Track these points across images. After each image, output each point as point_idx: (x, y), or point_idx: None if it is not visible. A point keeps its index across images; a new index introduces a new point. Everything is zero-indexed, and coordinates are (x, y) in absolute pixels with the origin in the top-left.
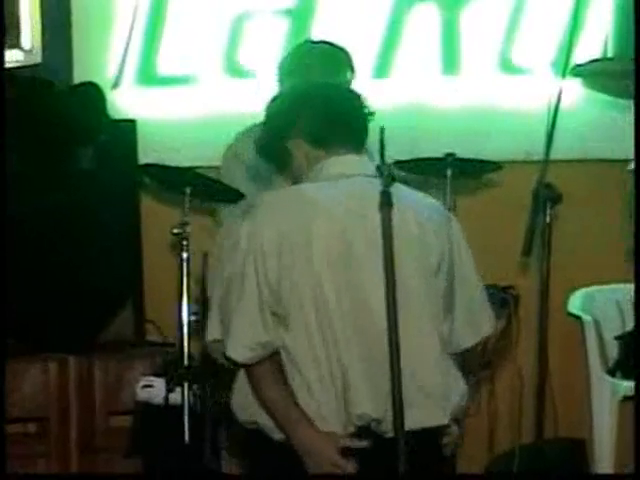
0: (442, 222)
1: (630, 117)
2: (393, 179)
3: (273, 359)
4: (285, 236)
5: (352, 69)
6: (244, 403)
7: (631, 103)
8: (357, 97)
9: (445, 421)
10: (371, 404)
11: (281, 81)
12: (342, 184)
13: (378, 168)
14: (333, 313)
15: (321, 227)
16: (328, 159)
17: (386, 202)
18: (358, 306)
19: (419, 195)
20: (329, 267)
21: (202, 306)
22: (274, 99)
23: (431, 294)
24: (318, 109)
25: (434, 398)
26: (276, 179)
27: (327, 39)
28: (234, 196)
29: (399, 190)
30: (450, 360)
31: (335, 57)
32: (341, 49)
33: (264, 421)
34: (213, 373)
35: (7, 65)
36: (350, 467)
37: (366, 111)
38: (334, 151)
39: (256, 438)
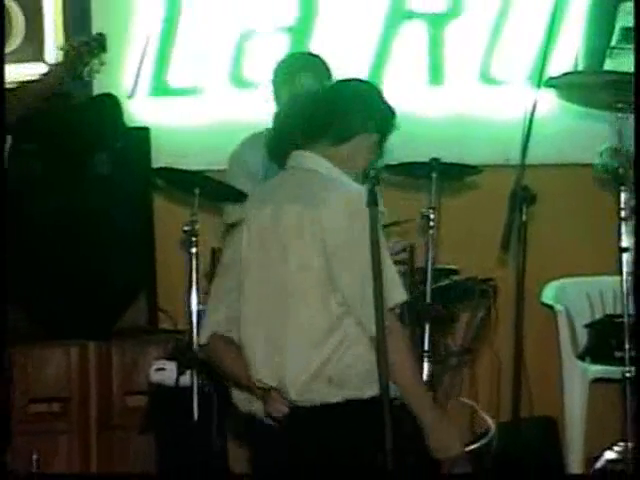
0: (332, 210)
1: (599, 125)
2: (378, 181)
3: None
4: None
5: (329, 74)
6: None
7: (600, 113)
8: (337, 97)
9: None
10: (265, 372)
11: (273, 84)
12: (279, 175)
13: (365, 171)
14: (250, 291)
15: (247, 213)
16: None
17: (372, 201)
18: (263, 285)
19: (321, 185)
20: (247, 250)
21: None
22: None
23: (316, 277)
24: (304, 111)
25: (304, 376)
26: None
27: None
28: (237, 196)
29: (303, 182)
30: (338, 345)
31: (315, 66)
32: (320, 58)
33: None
34: None
35: (33, 77)
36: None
37: (344, 109)
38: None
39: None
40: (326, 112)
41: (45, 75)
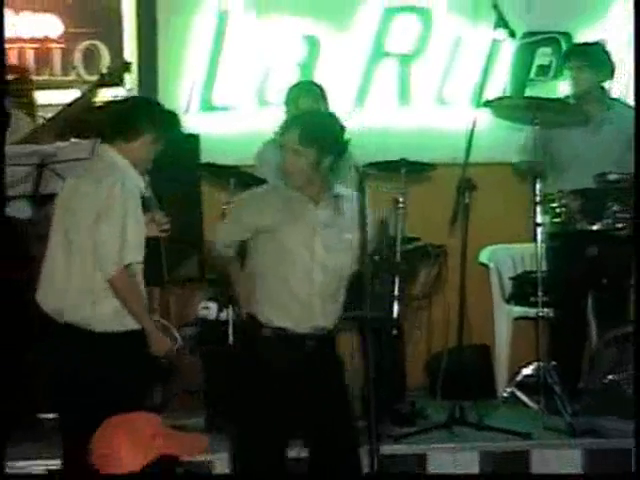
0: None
1: (521, 134)
2: (364, 175)
3: None
4: None
5: (325, 98)
6: None
7: (522, 126)
8: (125, 109)
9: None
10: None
11: (285, 105)
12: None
13: (356, 167)
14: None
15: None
16: None
17: (361, 190)
18: None
19: (95, 171)
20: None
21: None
22: None
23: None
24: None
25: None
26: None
27: (317, 81)
28: (260, 184)
29: (103, 167)
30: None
31: (313, 91)
32: (319, 86)
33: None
34: None
35: (113, 99)
36: None
37: (129, 117)
38: None
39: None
40: (118, 119)
41: (83, 95)
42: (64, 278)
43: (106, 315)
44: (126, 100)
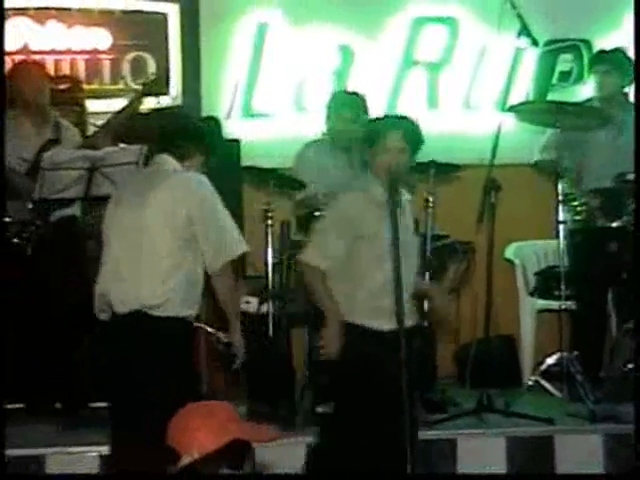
0: (188, 194)
1: (542, 138)
2: (397, 179)
3: None
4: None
5: (365, 108)
6: None
7: (544, 129)
8: (176, 132)
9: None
10: None
11: (328, 114)
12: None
13: (389, 169)
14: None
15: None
16: None
17: (395, 190)
18: None
19: (186, 175)
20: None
21: (279, 254)
22: None
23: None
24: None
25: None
26: (338, 174)
27: (355, 90)
28: (298, 186)
29: (171, 173)
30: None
31: (356, 101)
32: (359, 96)
33: None
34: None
35: (160, 106)
36: None
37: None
38: None
39: None
40: (169, 141)
41: (130, 103)
42: (132, 271)
43: (172, 298)
44: (173, 119)
